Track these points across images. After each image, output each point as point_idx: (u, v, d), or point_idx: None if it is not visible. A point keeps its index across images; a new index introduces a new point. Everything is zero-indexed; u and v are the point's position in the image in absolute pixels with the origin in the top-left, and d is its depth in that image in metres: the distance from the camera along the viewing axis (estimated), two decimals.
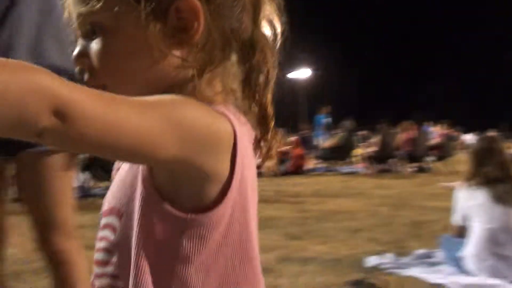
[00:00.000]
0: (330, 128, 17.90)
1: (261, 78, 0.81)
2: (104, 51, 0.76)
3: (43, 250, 2.08)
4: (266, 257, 4.46)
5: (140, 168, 0.75)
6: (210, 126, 0.70)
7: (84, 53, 0.78)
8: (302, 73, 42.09)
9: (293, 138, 14.33)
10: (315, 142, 17.07)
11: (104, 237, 0.80)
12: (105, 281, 0.79)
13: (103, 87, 0.72)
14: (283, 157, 13.65)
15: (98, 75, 0.77)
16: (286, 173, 13.12)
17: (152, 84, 0.76)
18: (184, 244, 0.72)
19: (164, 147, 0.64)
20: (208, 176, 0.71)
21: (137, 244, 0.73)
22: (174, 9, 0.74)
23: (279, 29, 0.84)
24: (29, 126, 0.55)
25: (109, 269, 0.78)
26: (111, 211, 0.80)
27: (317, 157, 15.60)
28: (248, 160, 0.76)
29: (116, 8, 0.74)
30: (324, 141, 16.49)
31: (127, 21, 0.74)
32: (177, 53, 0.75)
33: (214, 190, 0.72)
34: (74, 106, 0.56)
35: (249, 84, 0.81)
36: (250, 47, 0.79)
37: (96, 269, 0.81)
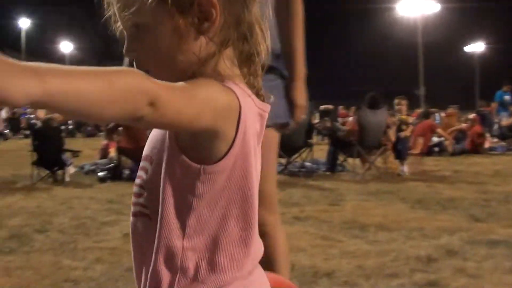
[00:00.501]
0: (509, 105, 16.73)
1: (257, 55, 1.04)
2: (146, 44, 0.99)
3: None
4: (449, 239, 4.56)
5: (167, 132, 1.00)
6: (227, 102, 0.93)
7: (131, 47, 1.02)
8: (476, 47, 39.37)
9: (471, 115, 13.73)
10: (495, 120, 16.11)
11: (140, 176, 1.06)
12: (138, 208, 1.06)
13: (147, 71, 0.90)
14: (459, 135, 13.20)
15: (144, 63, 0.99)
16: (462, 152, 12.68)
17: (186, 65, 0.98)
18: (198, 185, 0.96)
19: (203, 121, 0.89)
20: (220, 137, 0.93)
21: (163, 183, 0.98)
22: (196, 3, 0.96)
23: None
24: (133, 116, 0.79)
25: (141, 200, 1.05)
26: (145, 158, 1.06)
27: (495, 136, 14.76)
28: (250, 123, 0.97)
29: (152, 10, 0.95)
30: (505, 119, 15.51)
31: (162, 18, 0.96)
32: (202, 38, 0.98)
33: (222, 146, 0.94)
34: (161, 99, 0.81)
35: (249, 61, 1.04)
36: (249, 29, 1.02)
37: (133, 199, 1.07)
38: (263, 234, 2.29)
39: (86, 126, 23.85)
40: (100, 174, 8.87)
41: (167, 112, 0.82)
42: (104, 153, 10.64)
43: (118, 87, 0.76)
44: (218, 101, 0.92)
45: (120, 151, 9.12)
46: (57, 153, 8.55)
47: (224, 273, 1.00)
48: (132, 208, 1.08)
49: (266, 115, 1.04)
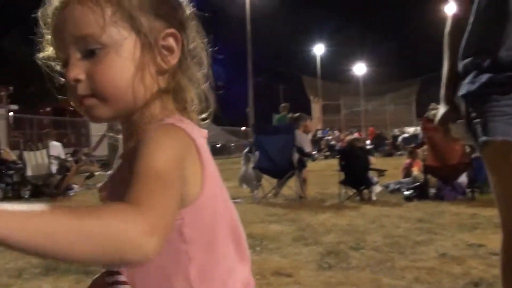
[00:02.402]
0: None
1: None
2: (105, 69, 0.92)
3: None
4: None
5: None
6: (183, 148, 0.89)
7: (77, 73, 0.93)
8: None
9: None
10: None
11: None
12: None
13: (91, 96, 0.93)
14: None
15: (93, 86, 0.93)
16: None
17: (137, 96, 0.94)
18: (185, 232, 0.91)
19: (179, 184, 0.86)
20: (191, 179, 0.90)
21: None
22: (161, 37, 0.96)
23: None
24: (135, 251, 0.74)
25: (122, 277, 0.95)
26: None
27: None
28: (205, 147, 0.94)
29: (119, 34, 0.92)
30: None
31: (127, 45, 0.93)
32: (160, 72, 0.97)
33: (196, 184, 0.91)
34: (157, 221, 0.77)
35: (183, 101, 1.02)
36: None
37: (108, 278, 0.98)
38: None
39: (384, 145, 24.19)
40: (406, 193, 8.76)
41: (168, 221, 0.79)
42: (408, 172, 10.52)
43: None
44: (178, 156, 0.88)
45: (426, 169, 8.88)
46: (363, 172, 8.73)
47: None
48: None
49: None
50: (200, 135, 0.96)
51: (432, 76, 45.12)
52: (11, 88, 19.10)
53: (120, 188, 0.89)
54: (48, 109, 24.22)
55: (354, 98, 45.47)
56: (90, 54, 0.92)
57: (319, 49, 53.52)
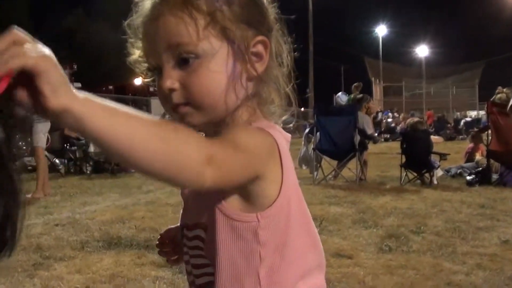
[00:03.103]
0: None
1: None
2: (200, 79, 0.93)
3: None
4: None
5: (213, 193, 0.93)
6: (268, 145, 0.93)
7: (172, 82, 0.94)
8: None
9: None
10: None
11: (196, 246, 1.01)
12: (206, 279, 1.00)
13: (186, 104, 0.95)
14: None
15: (188, 95, 0.94)
16: None
17: (229, 104, 0.96)
18: (259, 233, 0.94)
19: (255, 170, 0.90)
20: (269, 179, 0.93)
21: (224, 246, 0.95)
22: (252, 45, 0.96)
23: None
24: (194, 179, 0.78)
25: (209, 269, 0.98)
26: (197, 225, 1.00)
27: None
28: (287, 153, 0.97)
29: (212, 45, 0.93)
30: None
31: (220, 55, 0.94)
32: (249, 79, 0.98)
33: (273, 187, 0.94)
34: (219, 156, 0.80)
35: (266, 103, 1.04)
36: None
37: (194, 271, 1.03)
38: None
39: (446, 129, 23.69)
40: (468, 178, 8.63)
41: (227, 170, 0.82)
42: (470, 156, 10.35)
43: (174, 142, 0.76)
44: (263, 147, 0.92)
45: (489, 154, 8.72)
46: (425, 156, 8.64)
47: None
48: (197, 281, 1.03)
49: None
50: (284, 138, 0.99)
51: (497, 59, 43.72)
52: (75, 66, 19.57)
53: None
54: (110, 87, 24.77)
55: (416, 80, 44.48)
56: (183, 62, 0.93)
57: (381, 30, 52.49)
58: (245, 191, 0.93)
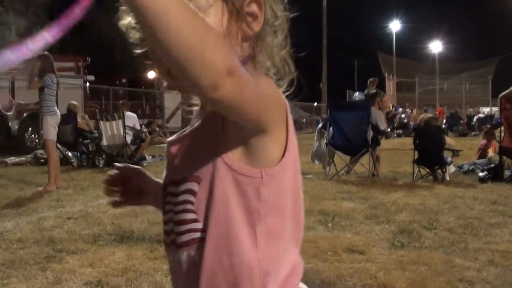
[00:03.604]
0: None
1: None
2: None
3: None
4: None
5: (215, 145, 0.93)
6: (279, 98, 0.93)
7: None
8: None
9: None
10: None
11: (186, 200, 0.96)
12: (191, 236, 0.96)
13: None
14: None
15: None
16: None
17: None
18: (261, 190, 0.92)
19: (265, 113, 0.86)
20: (273, 137, 0.91)
21: (223, 199, 0.92)
22: (246, 4, 0.95)
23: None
24: (211, 79, 0.73)
25: (198, 225, 0.95)
26: (189, 179, 0.96)
27: None
28: (292, 121, 0.96)
29: (205, 1, 0.92)
30: None
31: (214, 12, 0.93)
32: (244, 39, 0.96)
33: (277, 147, 0.92)
34: (239, 72, 0.76)
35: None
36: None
37: (180, 227, 0.97)
38: None
39: (458, 125, 23.55)
40: (481, 174, 8.58)
41: (244, 89, 0.77)
42: (483, 153, 10.28)
43: (211, 33, 0.75)
44: (276, 101, 0.91)
45: (502, 151, 8.66)
46: (438, 152, 8.59)
47: (296, 278, 1.01)
48: (178, 239, 0.98)
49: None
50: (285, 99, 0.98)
51: (511, 55, 43.28)
52: (88, 58, 19.66)
53: (193, 148, 0.99)
54: (124, 80, 24.83)
55: (429, 76, 44.24)
56: None
57: (395, 26, 52.20)
58: (250, 143, 0.91)
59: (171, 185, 1.01)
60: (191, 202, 0.96)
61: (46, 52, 8.04)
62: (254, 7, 0.96)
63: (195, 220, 0.95)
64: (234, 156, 0.92)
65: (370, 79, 11.51)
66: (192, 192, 0.96)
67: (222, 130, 0.94)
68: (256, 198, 0.92)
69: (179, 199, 0.98)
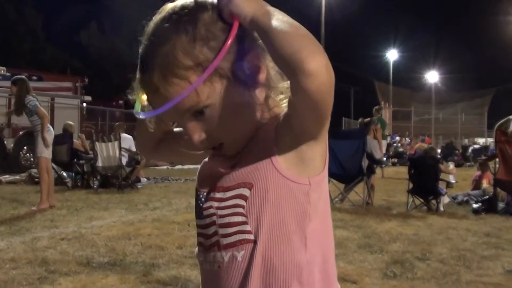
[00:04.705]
0: None
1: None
2: (218, 120, 0.99)
3: None
4: None
5: (267, 156, 1.00)
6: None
7: (200, 136, 1.02)
8: None
9: None
10: None
11: (236, 204, 1.01)
12: (239, 237, 1.00)
13: (221, 145, 1.03)
14: None
15: (218, 139, 1.02)
16: None
17: (254, 122, 1.03)
18: (311, 195, 1.00)
19: (327, 118, 0.96)
20: (322, 148, 1.01)
21: (276, 205, 0.99)
22: (248, 68, 0.99)
23: None
24: (301, 61, 0.85)
25: (247, 227, 1.00)
26: (241, 185, 1.01)
27: None
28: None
29: (214, 90, 0.97)
30: None
31: (226, 93, 0.98)
32: (260, 95, 1.02)
33: (322, 161, 1.01)
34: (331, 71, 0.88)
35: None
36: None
37: (228, 230, 1.02)
38: None
39: (453, 155, 23.65)
40: (475, 206, 8.61)
41: (332, 85, 0.88)
42: (477, 184, 10.32)
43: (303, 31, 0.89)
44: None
45: (496, 182, 8.70)
46: (433, 183, 8.63)
47: (332, 285, 1.06)
48: (224, 240, 1.03)
49: None
50: None
51: (508, 87, 43.66)
52: (86, 79, 19.74)
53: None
54: (120, 101, 24.88)
55: (425, 105, 44.53)
56: (199, 114, 0.99)
57: (392, 55, 52.69)
58: (302, 154, 0.99)
59: (214, 191, 1.06)
60: (242, 206, 1.01)
61: (21, 76, 8.19)
62: (254, 61, 1.01)
63: (244, 223, 1.01)
64: (286, 166, 1.00)
65: (376, 107, 11.59)
66: (243, 197, 1.01)
67: (275, 142, 1.01)
68: (307, 202, 1.00)
69: (228, 204, 1.03)
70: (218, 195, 1.05)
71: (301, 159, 0.99)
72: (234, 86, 0.98)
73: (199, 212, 1.08)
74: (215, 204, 1.04)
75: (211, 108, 0.98)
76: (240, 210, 1.01)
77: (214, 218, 1.04)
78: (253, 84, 1.01)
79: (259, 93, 1.03)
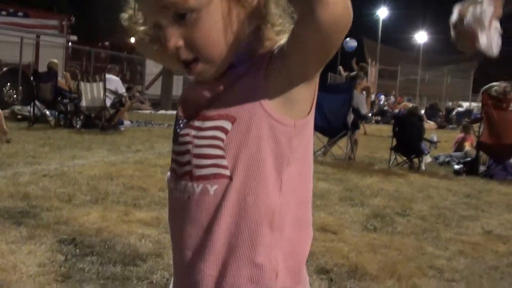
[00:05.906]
0: None
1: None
2: (201, 33, 0.95)
3: None
4: None
5: (254, 92, 0.96)
6: None
7: (176, 40, 0.95)
8: None
9: None
10: None
11: (215, 136, 0.97)
12: (213, 171, 0.97)
13: (196, 59, 0.97)
14: None
15: (194, 49, 0.96)
16: None
17: (234, 43, 0.97)
18: (293, 139, 0.97)
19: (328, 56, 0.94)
20: (313, 88, 0.98)
21: (257, 141, 0.96)
22: None
23: None
24: None
25: (223, 161, 0.97)
26: (223, 116, 0.97)
27: None
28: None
29: None
30: None
31: (214, 3, 0.94)
32: (250, 13, 0.97)
33: (308, 105, 0.99)
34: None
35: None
36: None
37: (201, 161, 0.98)
38: None
39: (437, 117, 23.83)
40: (456, 167, 8.71)
41: (349, 19, 0.87)
42: (459, 146, 10.42)
43: None
44: None
45: (479, 145, 8.78)
46: (417, 141, 8.68)
47: (304, 231, 1.04)
48: (197, 171, 0.99)
49: None
50: None
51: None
52: (73, 18, 19.28)
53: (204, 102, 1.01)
54: (106, 43, 24.47)
55: (412, 66, 44.45)
56: (180, 18, 0.94)
57: (382, 12, 52.14)
58: (291, 93, 0.96)
59: (194, 119, 1.02)
60: (221, 139, 0.97)
61: None
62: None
63: (221, 157, 0.97)
64: (272, 104, 0.96)
65: (360, 64, 11.53)
66: (223, 130, 0.97)
67: (263, 78, 0.97)
68: (288, 146, 0.97)
69: (206, 134, 0.99)
70: (197, 123, 1.00)
71: (289, 99, 0.96)
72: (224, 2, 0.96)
73: (176, 137, 1.05)
74: (193, 132, 1.00)
75: (196, 14, 0.94)
76: (218, 143, 0.97)
77: (189, 146, 1.00)
78: (246, 4, 0.97)
79: (250, 16, 0.99)
